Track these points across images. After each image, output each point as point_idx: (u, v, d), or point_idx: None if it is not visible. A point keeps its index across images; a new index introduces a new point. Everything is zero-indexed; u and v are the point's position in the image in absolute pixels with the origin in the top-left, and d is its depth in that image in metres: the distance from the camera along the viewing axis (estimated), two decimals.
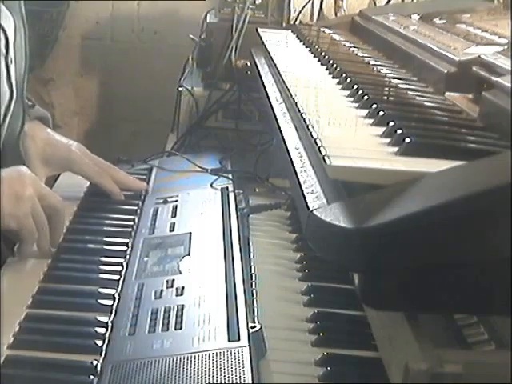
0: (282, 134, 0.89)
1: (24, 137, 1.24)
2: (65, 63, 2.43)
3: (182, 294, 0.93)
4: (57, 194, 1.10)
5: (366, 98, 0.89)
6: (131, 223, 1.18)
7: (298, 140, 0.84)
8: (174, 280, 0.97)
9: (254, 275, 1.02)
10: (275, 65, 1.17)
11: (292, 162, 0.78)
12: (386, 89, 1.01)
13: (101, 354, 0.83)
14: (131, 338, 0.85)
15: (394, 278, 0.59)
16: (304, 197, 0.68)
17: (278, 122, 0.94)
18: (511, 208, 0.54)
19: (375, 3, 1.98)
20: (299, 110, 0.87)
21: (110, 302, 0.93)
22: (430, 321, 0.75)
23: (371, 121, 0.81)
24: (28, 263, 1.04)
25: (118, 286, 0.97)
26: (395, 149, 0.69)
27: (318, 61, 1.21)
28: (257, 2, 1.64)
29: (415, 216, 0.56)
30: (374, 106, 0.84)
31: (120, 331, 0.86)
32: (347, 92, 0.96)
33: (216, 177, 1.35)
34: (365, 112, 0.85)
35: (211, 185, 1.31)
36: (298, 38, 1.46)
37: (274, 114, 0.98)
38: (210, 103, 1.62)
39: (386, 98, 0.98)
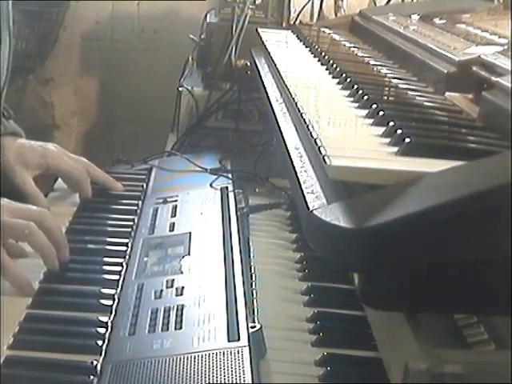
0: (282, 133, 0.89)
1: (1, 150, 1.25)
2: (65, 63, 2.43)
3: (181, 294, 0.93)
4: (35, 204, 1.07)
5: (366, 97, 0.89)
6: (131, 223, 1.18)
7: (297, 140, 0.84)
8: (173, 280, 0.97)
9: (253, 275, 1.02)
10: (275, 65, 1.17)
11: (292, 162, 0.78)
12: (386, 89, 1.01)
13: (101, 354, 0.83)
14: (131, 338, 0.85)
15: (394, 278, 0.59)
16: (304, 197, 0.68)
17: (278, 122, 0.94)
18: (511, 208, 0.54)
19: (375, 3, 1.98)
20: (299, 110, 0.87)
21: (109, 302, 0.93)
22: (430, 321, 0.75)
23: (371, 121, 0.81)
24: (28, 263, 1.04)
25: (117, 286, 0.97)
26: (395, 149, 0.69)
27: (318, 61, 1.21)
28: (257, 2, 1.64)
29: (415, 216, 0.56)
30: (374, 106, 0.84)
31: (120, 331, 0.86)
32: (347, 92, 0.96)
33: (216, 176, 1.35)
34: (365, 112, 0.85)
35: (211, 185, 1.31)
36: (298, 38, 1.46)
37: (274, 114, 0.98)
38: (209, 103, 1.62)
39: (385, 98, 0.98)
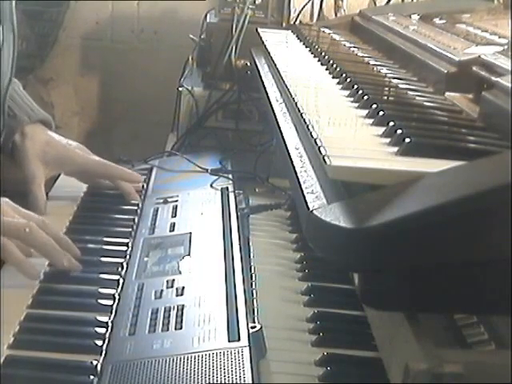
0: (282, 133, 0.89)
1: (23, 138, 1.25)
2: (65, 63, 2.43)
3: (182, 294, 0.93)
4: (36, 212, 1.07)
5: (366, 97, 0.89)
6: (131, 223, 1.18)
7: (298, 140, 0.84)
8: (174, 280, 0.97)
9: (254, 275, 1.02)
10: (275, 65, 1.17)
11: (292, 162, 0.78)
12: (386, 89, 1.01)
13: (101, 354, 0.83)
14: (131, 337, 0.85)
15: (394, 278, 0.59)
16: (304, 197, 0.68)
17: (278, 122, 0.94)
18: (511, 208, 0.54)
19: (375, 3, 1.98)
20: (299, 110, 0.87)
21: (109, 302, 0.93)
22: (430, 321, 0.75)
23: (371, 121, 0.81)
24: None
25: (118, 286, 0.97)
26: (395, 149, 0.69)
27: (318, 61, 1.21)
28: (257, 2, 1.64)
29: (415, 216, 0.56)
30: (374, 106, 0.84)
31: (120, 331, 0.86)
32: (347, 92, 0.96)
33: (216, 177, 1.35)
34: (365, 112, 0.85)
35: (211, 185, 1.31)
36: (298, 38, 1.46)
37: (274, 114, 0.98)
38: (209, 103, 1.62)
39: (386, 97, 0.98)
